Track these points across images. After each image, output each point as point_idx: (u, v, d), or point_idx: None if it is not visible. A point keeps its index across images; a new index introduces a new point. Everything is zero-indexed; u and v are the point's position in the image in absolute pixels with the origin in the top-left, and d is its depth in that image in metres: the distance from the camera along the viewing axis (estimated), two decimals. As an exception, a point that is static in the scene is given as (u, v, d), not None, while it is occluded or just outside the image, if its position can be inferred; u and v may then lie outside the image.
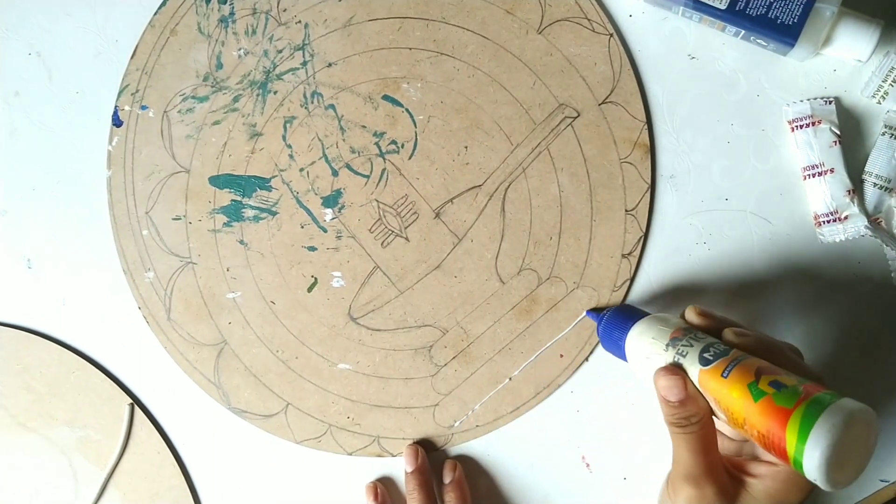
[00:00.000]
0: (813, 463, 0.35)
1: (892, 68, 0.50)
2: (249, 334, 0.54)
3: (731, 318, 0.46)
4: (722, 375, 0.40)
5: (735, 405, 0.39)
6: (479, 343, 0.54)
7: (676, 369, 0.42)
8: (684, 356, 0.42)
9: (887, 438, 0.52)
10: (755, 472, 0.41)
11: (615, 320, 0.48)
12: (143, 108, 0.55)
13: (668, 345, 0.43)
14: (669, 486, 0.43)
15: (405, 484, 0.53)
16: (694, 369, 0.42)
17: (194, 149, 0.55)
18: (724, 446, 0.45)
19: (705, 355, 0.41)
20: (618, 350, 0.48)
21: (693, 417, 0.41)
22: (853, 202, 0.51)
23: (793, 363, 0.41)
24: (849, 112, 0.53)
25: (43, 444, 0.55)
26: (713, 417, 0.42)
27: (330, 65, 0.55)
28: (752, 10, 0.49)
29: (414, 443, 0.53)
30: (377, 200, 0.54)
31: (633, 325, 0.47)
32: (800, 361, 0.42)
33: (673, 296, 0.53)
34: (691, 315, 0.45)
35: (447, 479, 0.52)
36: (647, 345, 0.45)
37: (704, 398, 0.42)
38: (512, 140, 0.54)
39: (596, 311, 0.52)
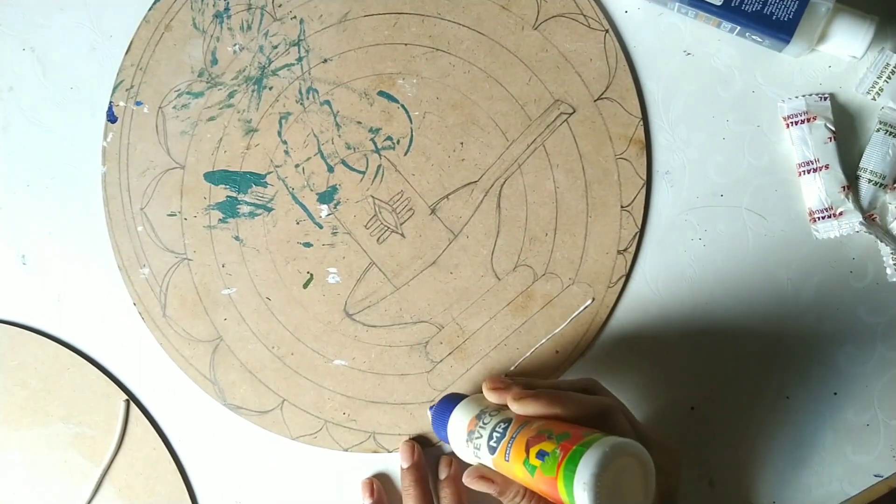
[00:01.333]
0: None
1: (887, 65, 0.50)
2: (245, 330, 0.54)
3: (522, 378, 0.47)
4: (505, 460, 0.42)
5: (524, 482, 0.41)
6: (475, 339, 0.54)
7: (478, 470, 0.44)
8: (479, 449, 0.44)
9: (881, 433, 0.52)
10: None
11: (439, 414, 0.49)
12: (138, 103, 0.55)
13: (466, 440, 0.45)
14: None
15: (401, 480, 0.53)
16: (488, 459, 0.43)
17: (189, 145, 0.55)
18: None
19: (491, 443, 0.43)
20: (449, 443, 0.49)
21: (517, 497, 0.42)
22: (848, 198, 0.51)
23: (575, 404, 0.42)
24: (844, 108, 0.53)
25: (38, 441, 0.55)
26: None
27: (325, 60, 0.54)
28: (747, 7, 0.49)
29: (410, 439, 0.53)
30: (373, 196, 0.54)
31: (448, 418, 0.48)
32: (581, 399, 0.43)
33: (668, 292, 0.53)
34: (486, 392, 0.47)
35: (443, 474, 0.53)
36: (456, 441, 0.47)
37: (515, 484, 0.43)
38: (507, 136, 0.54)
39: (432, 407, 0.52)
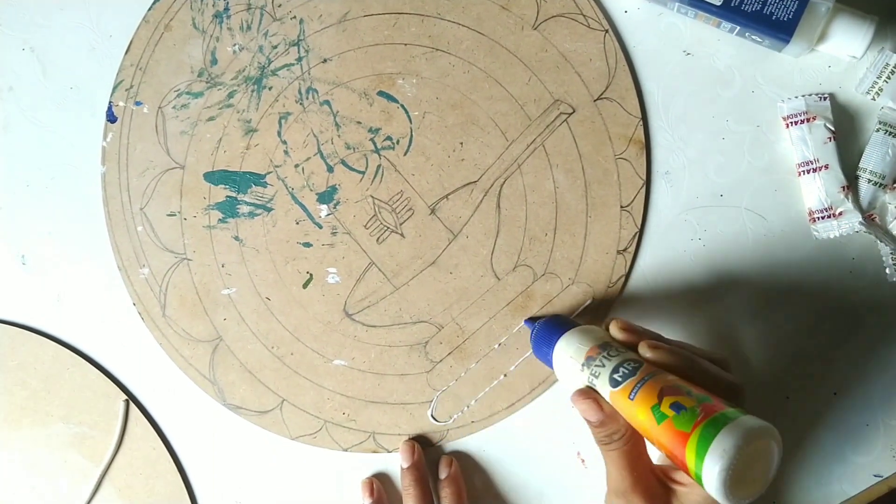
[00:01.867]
0: (712, 484, 0.36)
1: (887, 65, 0.50)
2: (244, 330, 0.54)
3: (653, 330, 0.46)
4: (629, 397, 0.41)
5: (643, 426, 0.40)
6: (475, 339, 0.54)
7: (590, 391, 0.43)
8: (597, 377, 0.43)
9: (881, 433, 0.52)
10: (686, 481, 0.42)
11: (544, 333, 0.48)
12: (138, 103, 0.55)
13: (583, 364, 0.44)
14: (605, 500, 0.44)
15: (401, 479, 0.53)
16: (606, 390, 0.42)
17: (189, 145, 0.55)
18: (662, 454, 0.45)
19: (615, 376, 0.42)
20: (548, 363, 0.48)
21: (615, 435, 0.42)
22: (847, 198, 0.51)
23: (706, 374, 0.42)
24: (843, 108, 0.53)
25: (38, 441, 0.55)
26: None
27: (325, 60, 0.54)
28: (747, 7, 0.49)
29: (410, 439, 0.54)
30: (372, 196, 0.54)
31: (557, 339, 0.47)
32: (715, 371, 0.42)
33: (668, 292, 0.53)
34: (614, 329, 0.46)
35: (443, 474, 0.53)
36: (567, 362, 0.46)
37: (621, 418, 0.42)
38: (507, 136, 0.54)
39: (532, 320, 0.52)
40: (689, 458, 0.37)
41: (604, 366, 0.43)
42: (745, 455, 0.36)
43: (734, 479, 0.36)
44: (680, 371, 0.41)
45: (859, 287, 0.53)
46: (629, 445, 0.42)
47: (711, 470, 0.36)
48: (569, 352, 0.46)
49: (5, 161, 0.56)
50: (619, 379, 0.42)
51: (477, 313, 0.54)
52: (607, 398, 0.42)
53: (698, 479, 0.37)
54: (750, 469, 0.37)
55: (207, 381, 0.54)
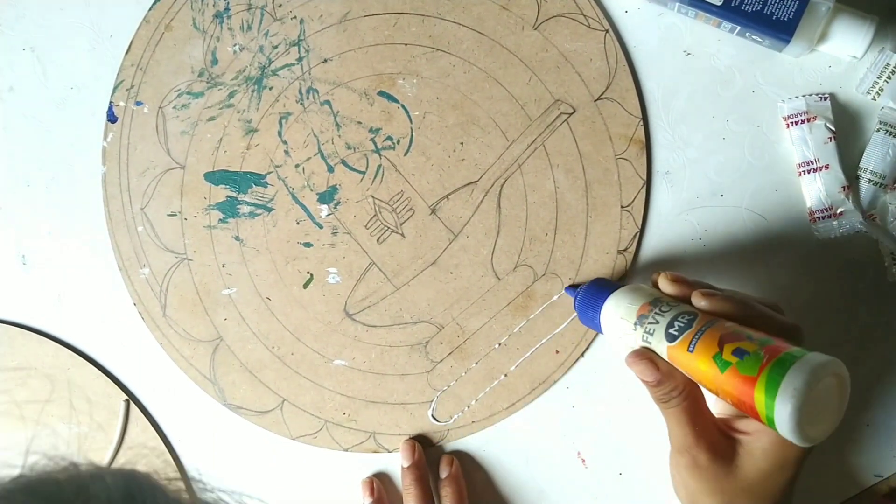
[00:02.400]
0: (784, 425, 0.36)
1: (887, 65, 0.50)
2: (245, 330, 0.54)
3: (702, 281, 0.45)
4: (688, 350, 0.40)
5: (705, 377, 0.39)
6: (475, 339, 0.54)
7: (645, 352, 0.42)
8: (652, 334, 0.42)
9: (881, 433, 0.52)
10: (749, 430, 0.41)
11: (588, 297, 0.48)
12: (138, 103, 0.55)
13: (636, 323, 0.43)
14: (671, 460, 0.43)
15: (401, 479, 0.53)
16: (662, 346, 0.42)
17: (189, 145, 0.55)
18: (723, 406, 0.45)
19: (671, 331, 0.41)
20: (596, 328, 0.47)
21: (674, 392, 0.41)
22: (848, 198, 0.51)
23: (762, 317, 0.41)
24: (844, 108, 0.53)
25: (37, 441, 0.55)
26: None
27: (325, 60, 0.54)
28: (747, 7, 0.49)
29: (410, 438, 0.54)
30: (373, 196, 0.54)
31: (603, 302, 0.46)
32: (771, 314, 0.42)
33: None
34: (663, 283, 0.45)
35: (444, 473, 0.53)
36: (618, 324, 0.45)
37: (679, 373, 0.42)
38: (508, 136, 0.54)
39: (573, 287, 0.52)
40: (759, 402, 0.36)
41: (657, 322, 0.42)
42: (816, 392, 0.35)
43: (807, 417, 0.35)
44: (736, 317, 0.41)
45: (860, 287, 0.53)
46: (689, 401, 0.41)
47: (783, 410, 0.35)
48: (619, 312, 0.45)
49: (6, 161, 0.56)
50: (676, 333, 0.41)
51: (477, 313, 0.54)
52: (664, 355, 0.42)
53: (770, 422, 0.36)
54: (821, 406, 0.36)
55: (208, 381, 0.54)
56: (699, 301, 0.42)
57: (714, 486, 0.41)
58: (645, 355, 0.42)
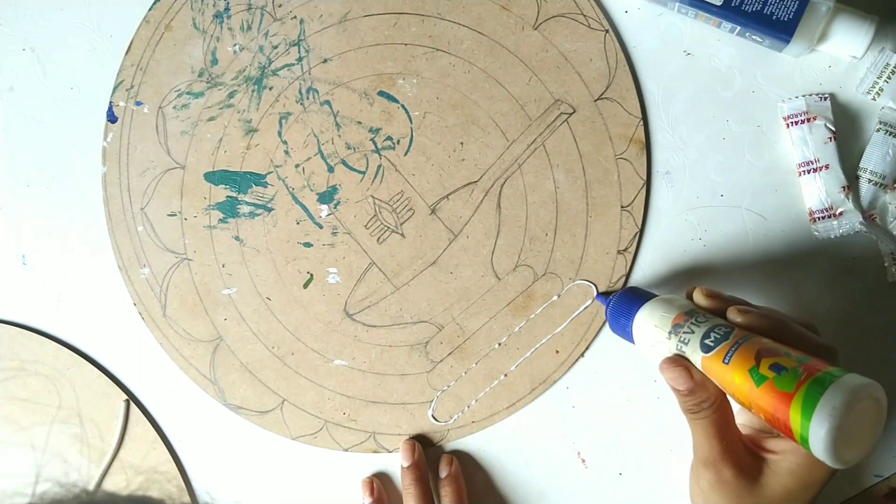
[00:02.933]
0: (819, 445, 0.35)
1: (887, 65, 0.50)
2: (245, 330, 0.54)
3: (738, 297, 0.45)
4: (723, 362, 0.40)
5: (739, 391, 0.39)
6: (475, 339, 0.54)
7: (680, 359, 0.42)
8: (686, 343, 0.42)
9: (882, 435, 0.52)
10: (777, 449, 0.41)
11: (621, 305, 0.48)
12: (138, 103, 0.55)
13: (670, 332, 0.43)
14: (693, 472, 0.43)
15: (401, 479, 0.53)
16: (697, 357, 0.41)
17: (189, 145, 0.55)
18: (750, 421, 0.44)
19: (706, 341, 0.41)
20: (627, 336, 0.47)
21: (704, 403, 0.41)
22: (848, 198, 0.51)
23: (798, 337, 0.41)
24: (844, 108, 0.53)
25: (38, 441, 0.55)
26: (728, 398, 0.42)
27: (325, 60, 0.54)
28: (747, 7, 0.49)
29: (410, 438, 0.54)
30: (373, 196, 0.54)
31: (637, 310, 0.46)
32: (807, 335, 0.41)
33: (668, 292, 0.53)
34: (698, 297, 0.45)
35: (443, 473, 0.53)
36: (651, 332, 0.45)
37: (714, 382, 0.41)
38: (508, 136, 0.54)
39: (605, 295, 0.52)
40: (794, 419, 0.36)
41: (693, 332, 0.42)
42: (854, 414, 0.35)
43: (842, 438, 0.35)
44: (772, 334, 0.40)
45: (860, 287, 0.53)
46: (718, 414, 0.41)
47: (819, 430, 0.35)
48: (652, 321, 0.45)
49: (6, 161, 0.56)
50: (712, 344, 0.41)
51: (477, 313, 0.54)
52: (699, 364, 0.41)
53: (804, 442, 0.36)
54: (856, 429, 0.36)
55: (208, 380, 0.54)
56: (735, 316, 0.42)
57: (736, 503, 0.41)
58: (679, 363, 0.42)
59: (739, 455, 0.41)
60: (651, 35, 0.54)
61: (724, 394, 0.41)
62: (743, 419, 0.44)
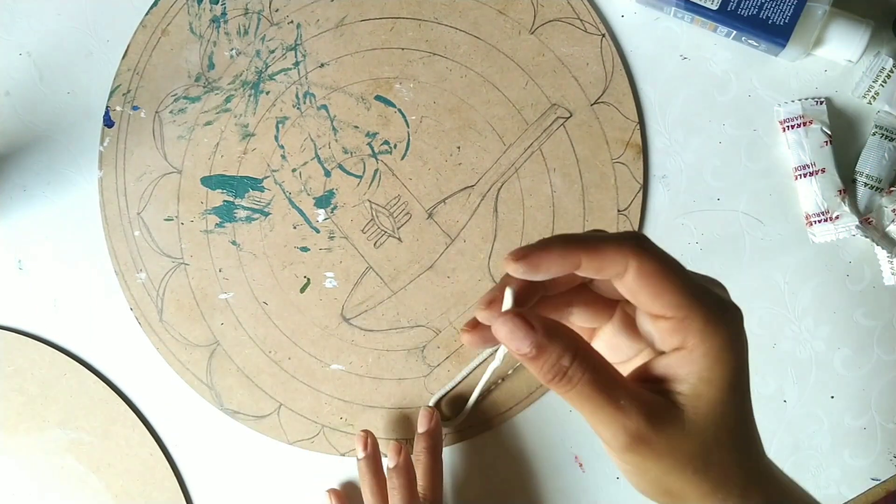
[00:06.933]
0: None
1: (883, 69, 0.51)
2: (242, 335, 0.54)
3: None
4: None
5: None
6: (472, 343, 0.53)
7: (517, 312, 0.30)
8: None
9: (879, 437, 0.52)
10: (671, 366, 0.30)
11: None
12: (135, 108, 0.55)
13: None
14: (613, 456, 0.31)
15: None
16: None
17: (186, 149, 0.55)
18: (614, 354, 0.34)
19: None
20: None
21: (564, 360, 0.29)
22: (844, 202, 0.51)
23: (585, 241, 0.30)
24: (840, 112, 0.53)
25: (35, 447, 0.54)
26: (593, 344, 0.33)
27: (322, 65, 0.54)
28: (743, 11, 0.49)
29: (364, 430, 0.52)
30: (370, 201, 0.54)
31: None
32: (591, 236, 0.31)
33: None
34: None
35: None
36: None
37: (568, 330, 0.30)
38: (504, 140, 0.54)
39: None
40: None
41: None
42: None
43: None
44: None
45: (856, 291, 0.53)
46: (590, 371, 0.29)
47: None
48: None
49: (2, 166, 0.56)
50: None
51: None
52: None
53: None
54: None
55: (205, 385, 0.54)
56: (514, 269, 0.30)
57: (679, 455, 0.30)
58: (515, 314, 0.30)
59: (644, 400, 0.29)
60: (647, 39, 0.54)
61: (582, 339, 0.30)
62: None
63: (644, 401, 0.29)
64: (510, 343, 0.30)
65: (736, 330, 0.30)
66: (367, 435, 0.52)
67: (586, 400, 0.29)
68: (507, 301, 0.31)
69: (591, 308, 0.34)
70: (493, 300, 0.31)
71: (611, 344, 0.34)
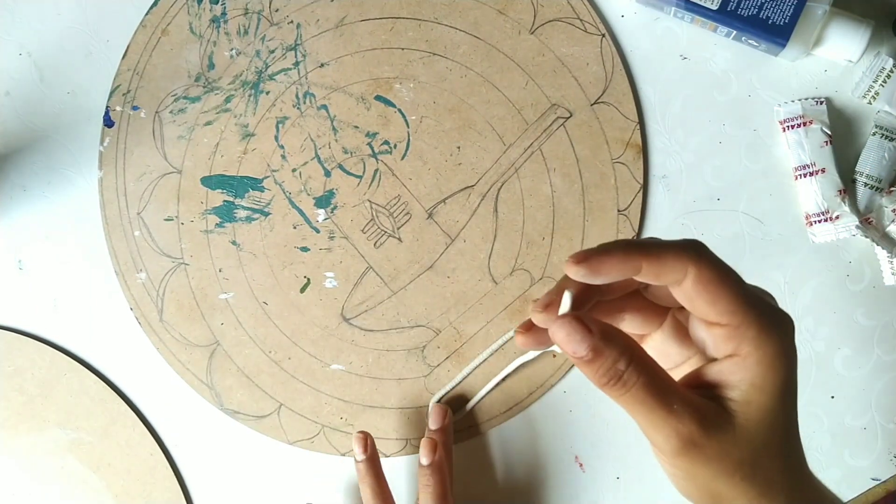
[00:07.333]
0: None
1: (883, 69, 0.51)
2: (242, 335, 0.54)
3: None
4: None
5: None
6: (472, 343, 0.54)
7: (573, 315, 0.30)
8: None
9: (879, 437, 0.52)
10: (723, 372, 0.31)
11: None
12: (135, 108, 0.55)
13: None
14: (661, 460, 0.32)
15: (357, 473, 0.51)
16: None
17: (186, 149, 0.55)
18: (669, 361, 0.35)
19: None
20: None
21: (620, 364, 0.30)
22: (844, 202, 0.51)
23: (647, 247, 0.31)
24: (840, 112, 0.53)
25: (35, 447, 0.54)
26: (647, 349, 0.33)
27: (322, 65, 0.54)
28: (743, 11, 0.49)
29: (361, 431, 0.51)
30: (370, 201, 0.54)
31: None
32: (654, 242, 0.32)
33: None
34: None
35: (425, 460, 0.49)
36: None
37: (623, 334, 0.31)
38: (504, 140, 0.54)
39: None
40: None
41: None
42: None
43: None
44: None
45: (857, 290, 0.53)
46: (645, 374, 0.30)
47: None
48: None
49: (2, 166, 0.56)
50: None
51: (474, 317, 0.54)
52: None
53: None
54: None
55: (205, 385, 0.54)
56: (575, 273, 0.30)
57: (728, 460, 0.30)
58: (572, 318, 0.30)
59: (696, 405, 0.30)
60: (647, 39, 0.54)
61: (637, 343, 0.31)
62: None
63: (696, 406, 0.30)
64: (567, 346, 0.30)
65: (788, 339, 0.31)
66: (366, 436, 0.52)
67: (640, 404, 0.30)
68: (566, 304, 0.31)
69: (643, 314, 0.35)
70: (550, 303, 0.32)
71: (660, 350, 0.35)
